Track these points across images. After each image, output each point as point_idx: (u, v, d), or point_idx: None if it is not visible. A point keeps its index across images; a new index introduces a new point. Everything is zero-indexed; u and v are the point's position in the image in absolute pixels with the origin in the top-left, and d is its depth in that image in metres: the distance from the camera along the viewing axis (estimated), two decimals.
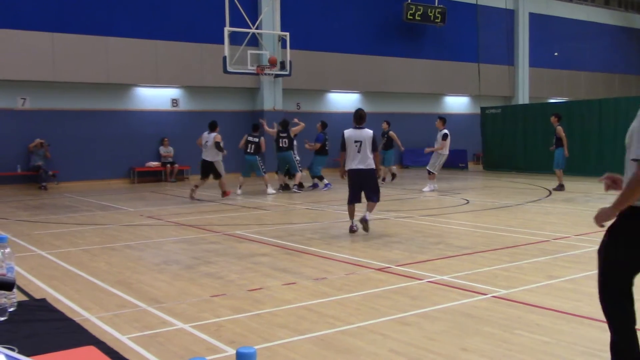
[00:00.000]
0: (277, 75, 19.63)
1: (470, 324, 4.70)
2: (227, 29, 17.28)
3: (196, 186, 14.41)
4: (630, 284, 3.54)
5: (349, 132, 9.21)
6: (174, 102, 20.59)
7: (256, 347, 4.09)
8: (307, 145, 16.92)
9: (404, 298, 5.45)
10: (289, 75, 18.94)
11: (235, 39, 17.91)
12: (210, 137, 14.18)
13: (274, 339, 4.40)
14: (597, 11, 31.54)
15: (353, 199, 9.24)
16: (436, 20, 24.67)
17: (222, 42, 17.32)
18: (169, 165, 19.88)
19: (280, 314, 5.02)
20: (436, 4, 24.68)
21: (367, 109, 24.42)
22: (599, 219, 3.51)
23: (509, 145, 22.18)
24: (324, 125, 16.92)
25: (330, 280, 6.17)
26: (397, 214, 11.01)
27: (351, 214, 9.28)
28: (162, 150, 19.99)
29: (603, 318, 4.72)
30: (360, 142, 9.04)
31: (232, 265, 6.94)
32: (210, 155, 14.18)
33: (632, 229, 3.39)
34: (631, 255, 3.44)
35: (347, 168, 9.21)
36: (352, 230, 9.11)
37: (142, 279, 6.37)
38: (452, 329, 4.59)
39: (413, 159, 25.56)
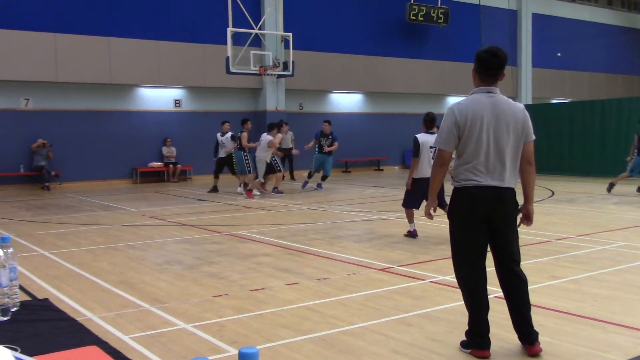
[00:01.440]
0: (279, 76, 19.65)
1: None
2: (230, 30, 17.30)
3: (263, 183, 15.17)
4: None
5: (423, 137, 8.38)
6: (177, 102, 20.61)
7: (258, 347, 4.09)
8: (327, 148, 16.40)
9: (406, 298, 5.46)
10: (292, 75, 18.95)
11: (238, 40, 17.93)
12: (266, 138, 14.54)
13: (276, 339, 4.40)
14: (600, 11, 31.50)
15: (415, 205, 8.60)
16: (439, 21, 24.66)
17: (225, 43, 17.34)
18: (171, 166, 19.90)
19: (283, 314, 5.03)
20: (439, 5, 24.67)
21: (369, 109, 24.73)
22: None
23: None
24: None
25: (333, 280, 6.17)
26: (400, 215, 11.00)
27: (411, 218, 8.74)
28: (165, 150, 20.01)
29: (607, 319, 4.74)
30: (435, 147, 8.93)
31: (235, 266, 6.94)
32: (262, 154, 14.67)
33: None
34: None
35: (418, 176, 8.37)
36: (413, 235, 8.59)
37: (145, 279, 6.38)
38: (454, 329, 4.59)
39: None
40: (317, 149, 16.30)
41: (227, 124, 15.97)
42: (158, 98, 20.29)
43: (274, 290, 5.79)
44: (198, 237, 8.95)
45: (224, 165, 15.98)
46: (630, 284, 5.89)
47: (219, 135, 15.93)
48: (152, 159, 19.92)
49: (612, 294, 5.52)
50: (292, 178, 20.01)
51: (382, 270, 6.59)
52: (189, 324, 4.77)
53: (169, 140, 20.04)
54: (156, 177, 20.03)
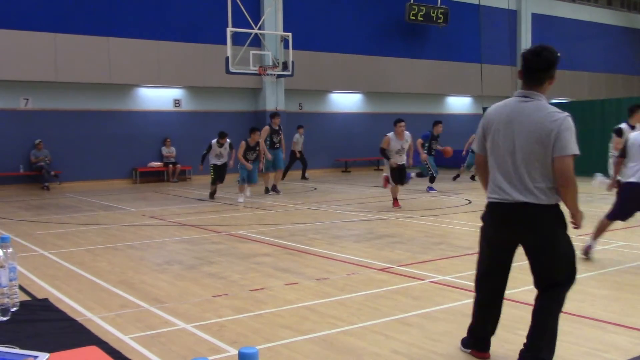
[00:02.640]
0: (279, 76, 19.65)
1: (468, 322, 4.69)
2: (230, 30, 17.29)
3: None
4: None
5: (635, 135, 6.92)
6: (177, 102, 20.61)
7: (258, 347, 4.09)
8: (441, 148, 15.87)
9: (406, 298, 5.45)
10: (292, 75, 18.95)
11: (238, 40, 17.93)
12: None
13: (276, 339, 4.40)
14: (600, 11, 31.50)
15: (624, 217, 7.11)
16: (438, 21, 24.66)
17: (225, 43, 17.33)
18: (171, 166, 19.90)
19: (283, 314, 5.03)
20: (439, 5, 24.67)
21: (369, 109, 24.70)
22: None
23: None
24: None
25: (332, 280, 6.17)
26: (399, 214, 11.01)
27: (603, 232, 7.20)
28: (165, 150, 20.01)
29: (606, 319, 4.74)
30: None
31: (234, 266, 6.94)
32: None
33: None
34: None
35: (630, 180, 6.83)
36: (588, 253, 7.00)
37: (145, 279, 6.38)
38: (454, 329, 4.59)
39: (415, 159, 25.50)
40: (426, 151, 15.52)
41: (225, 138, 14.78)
42: (158, 98, 20.29)
43: (274, 290, 5.79)
44: (198, 237, 8.94)
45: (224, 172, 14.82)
46: (631, 284, 5.88)
47: (215, 143, 14.60)
48: (152, 159, 19.91)
49: (612, 294, 5.52)
50: (304, 177, 19.90)
51: (382, 270, 6.59)
52: (189, 324, 4.77)
53: (168, 140, 20.03)
54: (156, 177, 20.02)
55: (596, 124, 19.49)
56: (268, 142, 15.29)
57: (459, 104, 27.62)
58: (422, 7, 24.12)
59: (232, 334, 4.52)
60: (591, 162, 19.19)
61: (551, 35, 29.18)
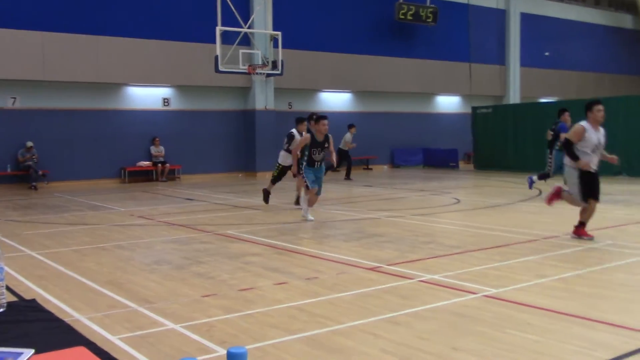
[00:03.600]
0: (268, 75, 19.63)
1: (461, 323, 4.71)
2: (219, 29, 17.25)
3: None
4: None
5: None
6: (165, 101, 20.54)
7: (247, 347, 4.08)
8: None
9: (394, 297, 5.46)
10: (281, 74, 18.93)
11: (227, 38, 17.89)
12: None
13: (265, 339, 4.39)
14: (588, 11, 31.70)
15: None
16: (428, 20, 24.72)
17: (214, 42, 17.29)
18: (160, 165, 19.83)
19: (272, 313, 5.02)
20: (428, 4, 24.73)
21: (358, 108, 24.74)
22: None
23: (500, 144, 22.24)
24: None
25: (322, 279, 6.17)
26: (389, 213, 11.03)
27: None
28: (153, 149, 19.93)
29: (595, 317, 4.77)
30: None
31: (223, 265, 6.93)
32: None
33: None
34: None
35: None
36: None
37: (133, 279, 6.35)
38: (443, 328, 4.60)
39: (404, 158, 25.61)
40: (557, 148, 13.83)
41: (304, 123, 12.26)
42: (146, 97, 20.21)
43: (263, 290, 5.78)
44: (187, 237, 8.92)
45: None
46: (618, 283, 5.93)
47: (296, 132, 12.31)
48: (141, 158, 19.83)
49: (599, 293, 5.56)
50: (348, 178, 19.45)
51: (371, 269, 6.60)
52: (178, 324, 4.75)
53: (157, 139, 19.96)
54: (144, 176, 19.94)
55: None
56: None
57: (447, 103, 27.70)
58: (411, 7, 24.18)
59: (221, 334, 4.51)
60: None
61: (540, 34, 29.36)
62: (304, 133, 11.40)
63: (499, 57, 28.26)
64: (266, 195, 12.75)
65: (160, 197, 15.06)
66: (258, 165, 21.52)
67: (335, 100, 24.01)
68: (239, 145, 21.75)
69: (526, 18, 28.86)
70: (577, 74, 30.79)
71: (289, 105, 22.85)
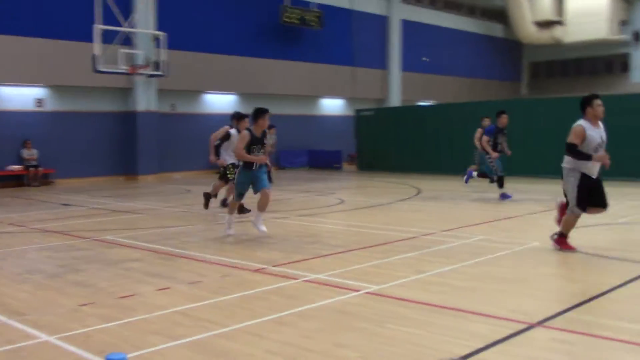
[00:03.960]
0: (151, 76, 19.10)
1: (344, 320, 4.82)
2: (98, 27, 16.55)
3: None
4: None
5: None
6: (39, 102, 19.40)
7: (128, 355, 3.95)
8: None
9: (280, 298, 5.49)
10: (163, 75, 18.47)
11: (107, 37, 17.22)
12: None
13: (146, 346, 4.27)
14: (463, 20, 33.45)
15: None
16: (313, 24, 25.07)
17: (92, 40, 16.56)
18: (32, 169, 18.70)
19: (154, 320, 4.88)
20: (313, 8, 25.07)
21: (244, 110, 24.34)
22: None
23: (382, 146, 22.96)
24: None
25: (206, 283, 6.08)
26: (274, 215, 11.06)
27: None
28: (25, 153, 18.76)
29: (469, 308, 5.04)
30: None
31: (102, 272, 6.65)
32: None
33: None
34: None
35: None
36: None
37: (2, 290, 5.95)
38: (326, 326, 4.68)
39: (289, 160, 25.81)
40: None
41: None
42: (17, 97, 18.99)
43: (144, 296, 5.61)
44: (62, 244, 8.47)
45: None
46: (489, 276, 6.29)
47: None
48: (11, 162, 18.61)
49: (472, 285, 5.87)
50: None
51: (256, 271, 6.59)
52: (52, 336, 4.51)
53: (29, 142, 18.81)
54: (15, 181, 18.71)
55: (459, 126, 20.67)
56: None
57: (332, 105, 28.22)
58: (296, 10, 24.41)
59: (99, 344, 4.33)
60: (455, 160, 20.41)
61: (419, 41, 30.60)
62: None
63: (381, 62, 29.17)
64: (207, 199, 11.52)
65: (34, 202, 14.21)
66: (140, 168, 20.86)
67: (220, 102, 23.74)
68: (119, 148, 20.97)
69: (407, 25, 29.98)
70: (453, 79, 32.39)
71: (172, 106, 22.33)
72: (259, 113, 8.77)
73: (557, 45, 33.86)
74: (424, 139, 21.76)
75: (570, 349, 4.13)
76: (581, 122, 7.12)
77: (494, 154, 12.74)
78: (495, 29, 35.50)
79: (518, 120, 16.13)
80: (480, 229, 9.24)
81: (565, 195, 7.34)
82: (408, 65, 29.94)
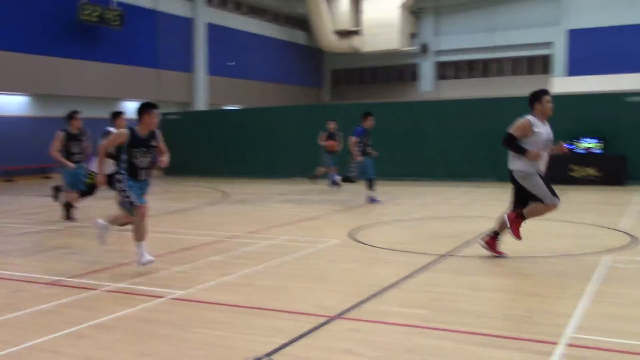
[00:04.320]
0: None
1: (148, 328, 4.69)
2: None
3: None
4: None
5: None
6: None
7: None
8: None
9: (77, 311, 5.19)
10: None
11: None
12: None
13: None
14: (268, 26, 34.10)
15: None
16: (114, 23, 23.95)
17: None
18: None
19: None
20: (113, 7, 23.96)
21: (38, 112, 22.79)
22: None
23: (189, 150, 22.65)
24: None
25: None
26: (72, 224, 10.40)
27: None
28: None
29: (274, 307, 5.16)
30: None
31: None
32: None
33: None
34: None
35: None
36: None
37: None
38: (129, 335, 4.52)
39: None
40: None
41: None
42: None
43: None
44: None
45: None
46: (293, 274, 6.51)
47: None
48: None
49: (277, 284, 6.03)
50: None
51: (51, 284, 6.15)
52: None
53: None
54: None
55: (265, 130, 21.13)
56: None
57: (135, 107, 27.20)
58: (96, 8, 23.15)
59: None
60: (261, 163, 20.83)
61: (225, 45, 30.65)
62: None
63: (187, 65, 28.75)
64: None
65: None
66: None
67: (8, 104, 21.68)
68: None
69: (212, 28, 29.86)
70: (259, 83, 32.91)
71: None
72: (143, 108, 6.97)
73: (356, 54, 35.88)
74: (231, 143, 21.87)
75: (366, 337, 4.42)
76: (529, 117, 6.83)
77: (359, 158, 12.57)
78: (299, 37, 36.72)
79: (321, 124, 16.87)
80: (285, 229, 9.51)
81: (521, 202, 6.97)
82: (214, 69, 29.87)
